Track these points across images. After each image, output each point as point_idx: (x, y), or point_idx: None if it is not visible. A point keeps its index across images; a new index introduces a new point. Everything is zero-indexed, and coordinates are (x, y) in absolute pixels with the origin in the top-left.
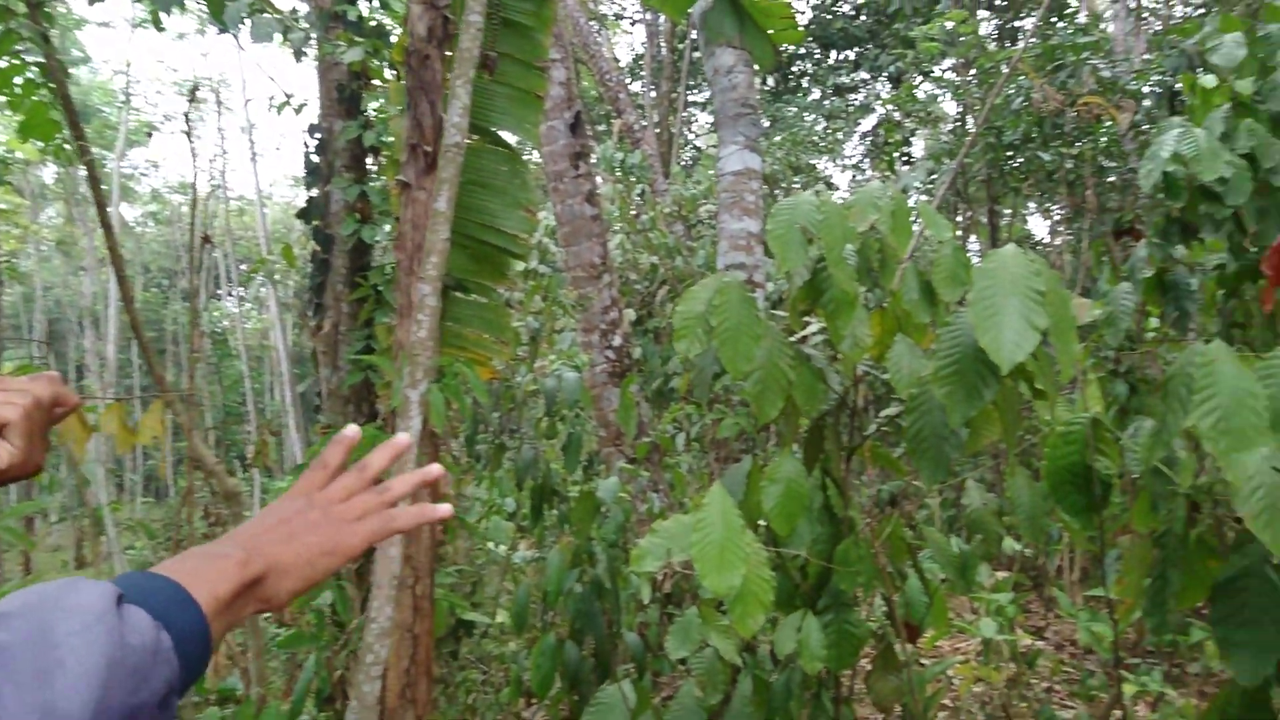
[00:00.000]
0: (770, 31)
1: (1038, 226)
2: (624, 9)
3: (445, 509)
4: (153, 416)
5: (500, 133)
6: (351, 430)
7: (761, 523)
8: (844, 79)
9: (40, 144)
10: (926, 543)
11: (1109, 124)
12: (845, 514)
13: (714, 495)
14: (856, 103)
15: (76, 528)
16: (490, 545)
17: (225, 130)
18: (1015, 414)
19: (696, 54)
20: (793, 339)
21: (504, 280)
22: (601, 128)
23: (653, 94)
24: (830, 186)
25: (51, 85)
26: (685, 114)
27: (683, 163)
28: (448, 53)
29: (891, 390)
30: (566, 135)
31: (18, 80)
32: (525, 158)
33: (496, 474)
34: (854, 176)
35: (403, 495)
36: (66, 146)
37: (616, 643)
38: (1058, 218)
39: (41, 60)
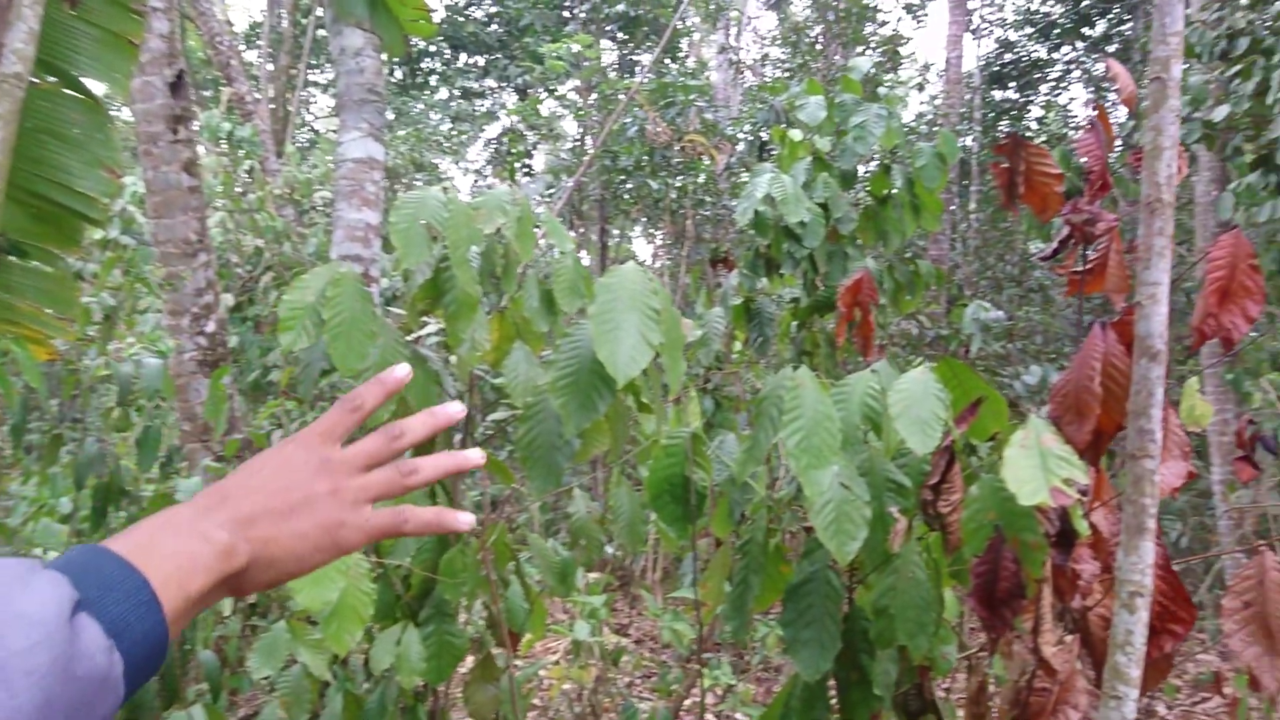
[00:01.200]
0: (403, 20)
1: (642, 249)
2: None
3: (467, 519)
4: None
5: (83, 79)
6: (403, 370)
7: None
8: (472, 84)
9: None
10: (529, 548)
11: (709, 162)
12: None
13: None
14: (483, 109)
15: None
16: (38, 552)
17: None
18: (624, 426)
19: (322, 31)
20: (409, 338)
21: (74, 248)
22: (208, 94)
23: (270, 67)
24: (452, 188)
25: None
26: (305, 93)
27: (298, 144)
28: None
29: (501, 396)
30: (165, 95)
31: None
32: (113, 113)
33: (50, 470)
34: (475, 181)
35: (431, 480)
36: None
37: (188, 660)
38: (660, 242)
39: None
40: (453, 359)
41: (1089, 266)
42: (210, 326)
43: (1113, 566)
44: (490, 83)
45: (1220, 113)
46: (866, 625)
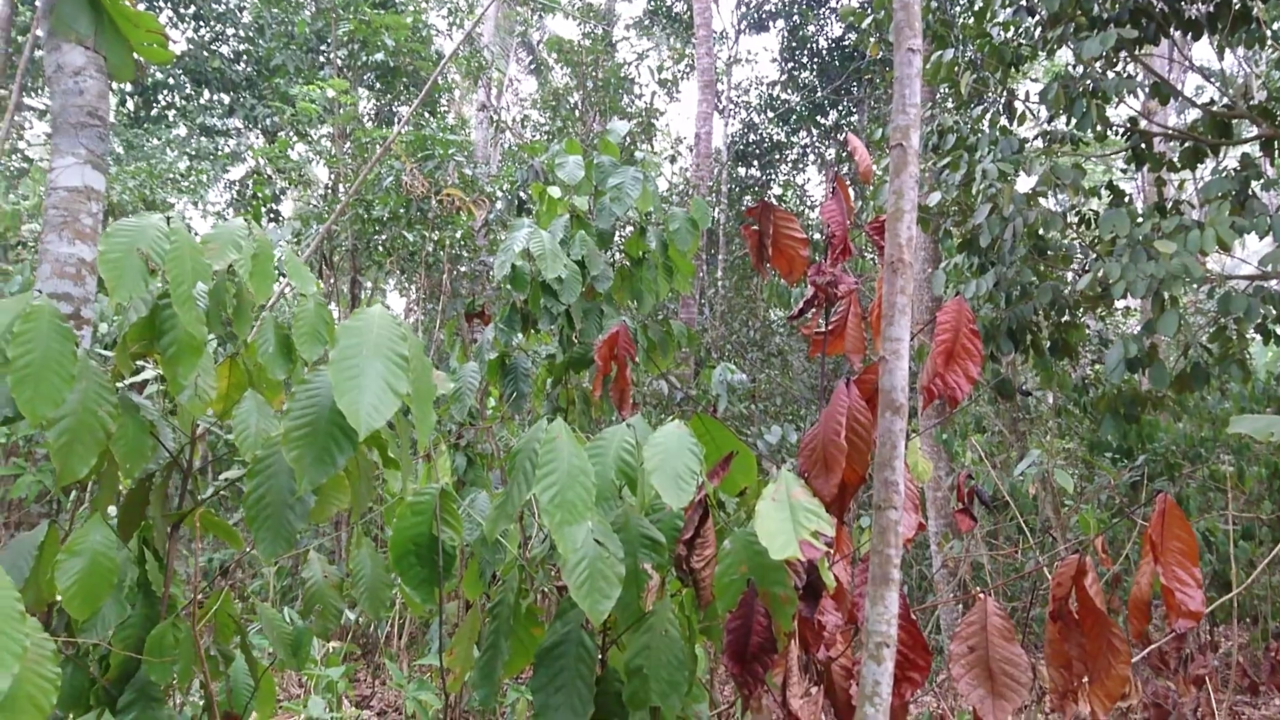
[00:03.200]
0: (134, 42)
1: (395, 302)
2: None
3: None
4: None
5: None
6: None
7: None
8: (216, 121)
9: None
10: (258, 617)
11: (467, 217)
12: (166, 591)
13: None
14: (227, 149)
15: None
16: None
17: None
18: (367, 482)
19: (40, 52)
20: (121, 384)
21: None
22: None
23: None
24: (178, 220)
25: None
26: (18, 117)
27: (7, 172)
28: None
29: (235, 451)
30: None
31: None
32: None
33: None
34: (216, 224)
35: None
36: None
37: None
38: (415, 296)
39: None
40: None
41: (830, 327)
42: None
43: (855, 617)
44: (236, 122)
45: (933, 199)
46: (619, 686)
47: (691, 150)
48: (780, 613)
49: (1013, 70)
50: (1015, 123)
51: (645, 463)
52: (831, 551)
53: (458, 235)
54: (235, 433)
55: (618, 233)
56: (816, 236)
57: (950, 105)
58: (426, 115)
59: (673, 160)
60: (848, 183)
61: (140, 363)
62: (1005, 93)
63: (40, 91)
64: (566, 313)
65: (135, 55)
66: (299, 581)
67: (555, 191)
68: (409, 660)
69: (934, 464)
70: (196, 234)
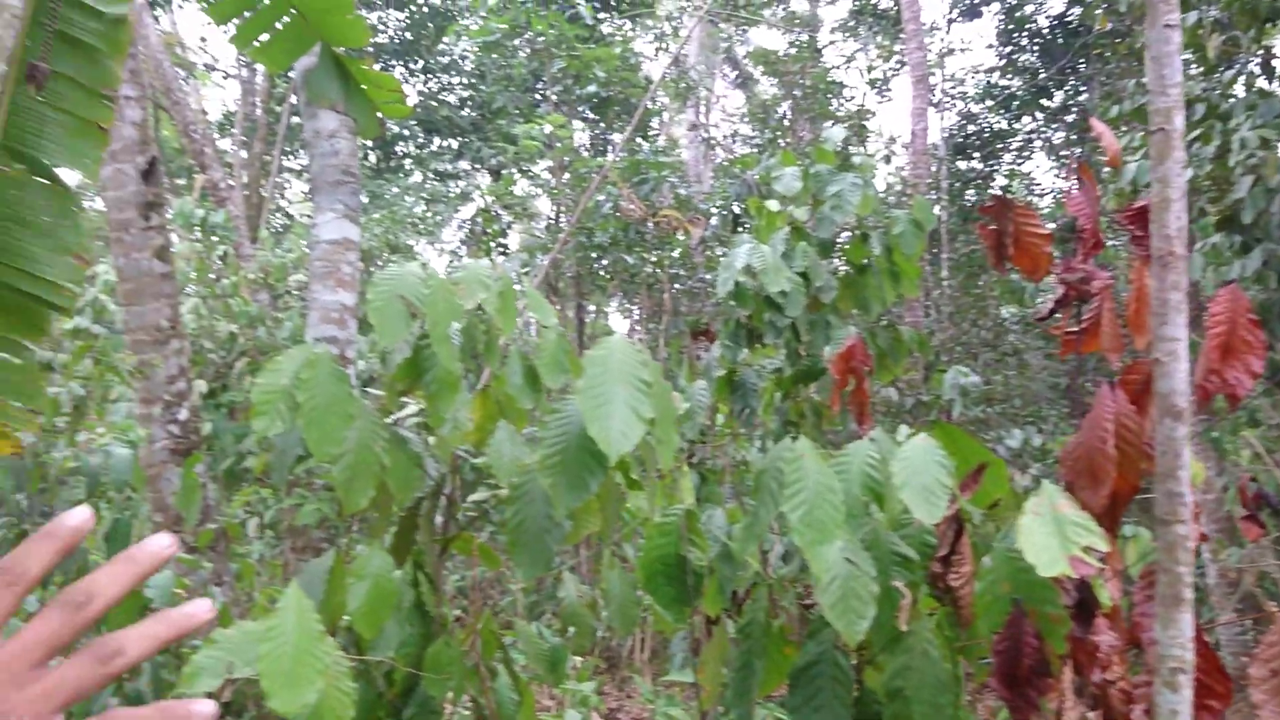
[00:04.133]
0: (377, 102)
1: (618, 323)
2: (217, 61)
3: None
4: None
5: (50, 165)
6: (80, 515)
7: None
8: (446, 165)
9: None
10: (515, 634)
11: (683, 237)
12: (438, 611)
13: (289, 598)
14: (457, 190)
15: None
16: None
17: None
18: (615, 505)
19: (296, 119)
20: (388, 420)
21: (39, 336)
22: (181, 181)
23: (244, 154)
24: (429, 266)
25: None
26: (279, 179)
27: (273, 228)
28: None
29: (482, 476)
30: (137, 182)
31: None
32: (85, 200)
33: None
34: (450, 262)
35: (142, 659)
36: None
37: None
38: (637, 316)
39: None
40: (431, 440)
41: (1083, 326)
42: (183, 414)
43: (1134, 637)
44: (464, 164)
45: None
46: (879, 708)
47: (907, 148)
48: (1052, 633)
49: (1268, 26)
50: (1276, 83)
51: (894, 477)
52: (1105, 568)
53: (675, 254)
54: (491, 461)
55: (838, 240)
56: (1050, 226)
57: (1196, 71)
58: (639, 140)
59: (887, 160)
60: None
61: (403, 399)
62: (1261, 51)
63: (297, 154)
64: (792, 325)
65: (378, 113)
66: (545, 597)
67: (773, 205)
68: (652, 675)
69: (1203, 464)
70: (437, 272)
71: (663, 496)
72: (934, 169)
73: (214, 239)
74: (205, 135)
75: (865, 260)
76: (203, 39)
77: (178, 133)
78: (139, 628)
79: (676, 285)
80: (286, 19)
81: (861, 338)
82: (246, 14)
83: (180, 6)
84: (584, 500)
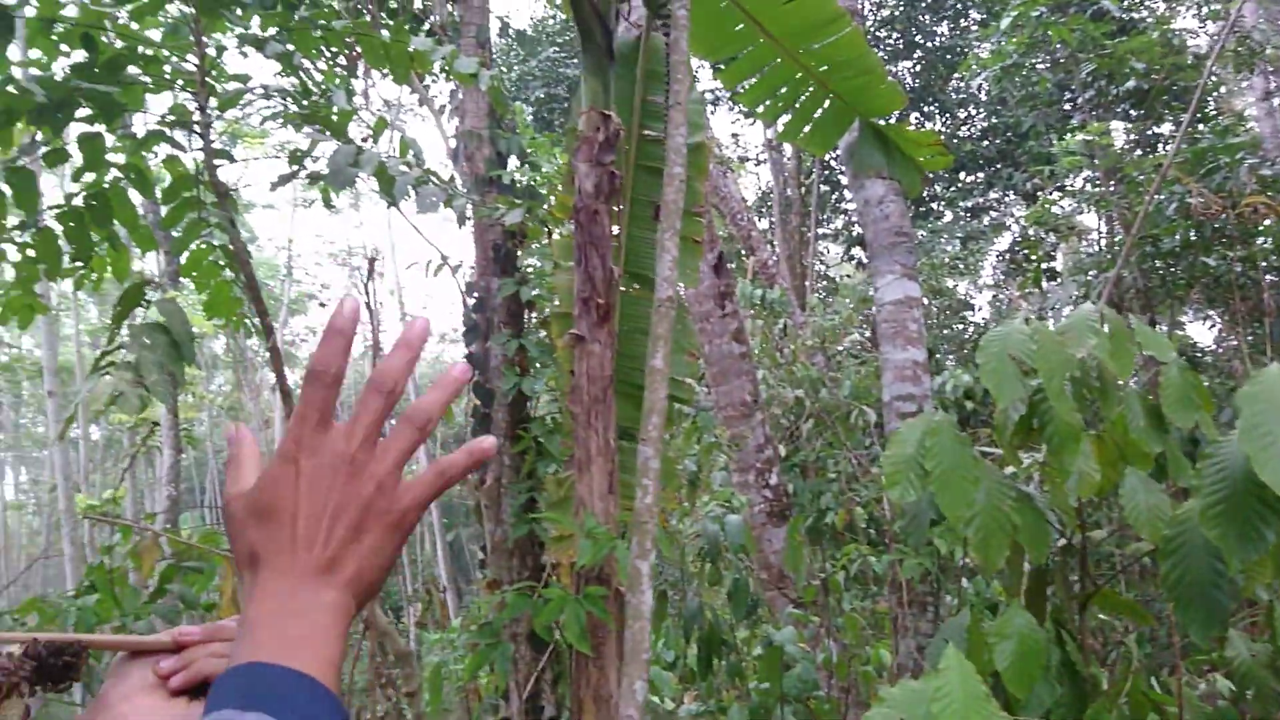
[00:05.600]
0: (919, 159)
1: (1198, 333)
2: (746, 151)
3: (490, 441)
4: None
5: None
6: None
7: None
8: (976, 200)
9: (219, 320)
10: (1161, 695)
11: (1274, 223)
12: (1086, 671)
13: (949, 658)
14: (989, 223)
15: None
16: (654, 699)
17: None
18: None
19: (824, 187)
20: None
21: (668, 427)
22: (731, 266)
23: (779, 230)
24: (967, 306)
25: (235, 266)
26: (819, 247)
27: (818, 294)
28: (615, 207)
29: (1108, 526)
30: (710, 276)
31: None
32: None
33: (663, 624)
34: (994, 297)
35: (441, 411)
36: (248, 321)
37: None
38: (1223, 323)
39: (225, 244)
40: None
41: None
42: (773, 479)
43: None
44: (994, 195)
45: None
46: None
47: None
48: None
49: None
50: None
51: None
52: None
53: (1268, 245)
54: (1127, 512)
55: None
56: None
57: None
58: (1197, 125)
59: None
60: None
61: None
62: None
63: (829, 220)
64: None
65: (921, 171)
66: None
67: None
68: None
69: None
70: (1042, 327)
71: None
72: None
73: (773, 313)
74: (749, 221)
75: None
76: (734, 135)
77: (725, 223)
78: (429, 396)
79: (1272, 278)
80: (825, 106)
81: None
82: (788, 113)
83: (713, 111)
84: (1261, 552)
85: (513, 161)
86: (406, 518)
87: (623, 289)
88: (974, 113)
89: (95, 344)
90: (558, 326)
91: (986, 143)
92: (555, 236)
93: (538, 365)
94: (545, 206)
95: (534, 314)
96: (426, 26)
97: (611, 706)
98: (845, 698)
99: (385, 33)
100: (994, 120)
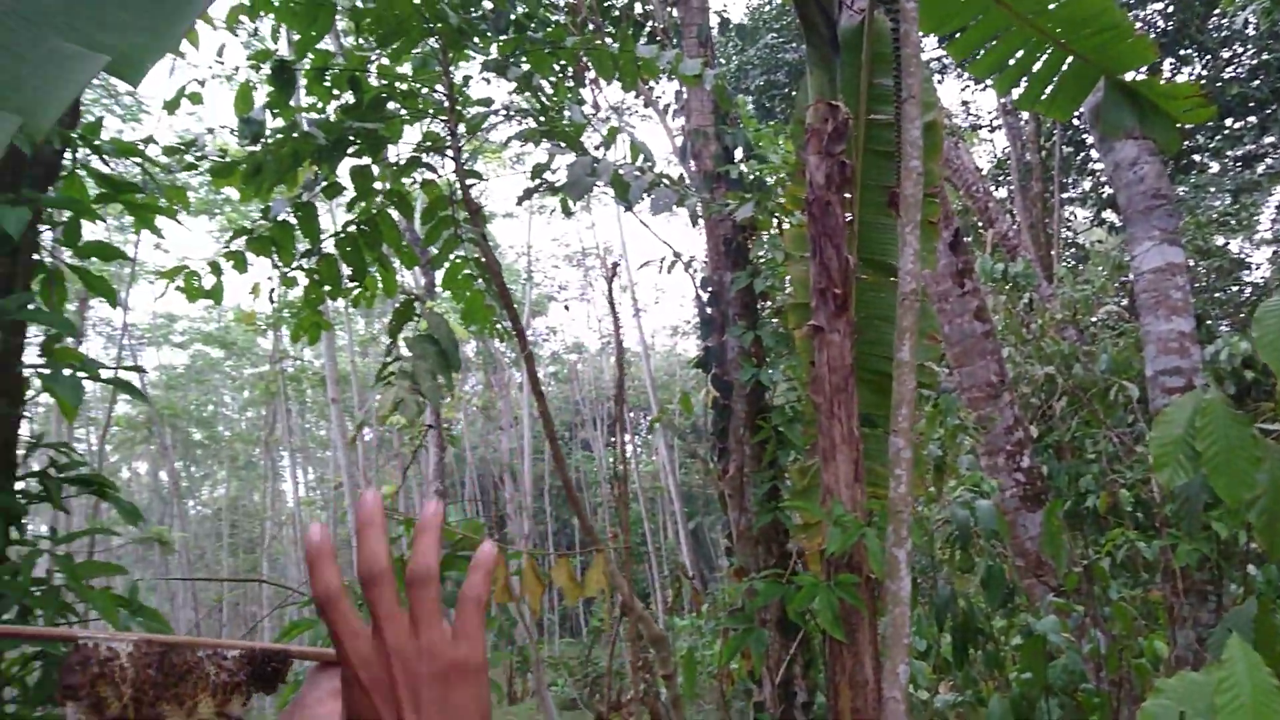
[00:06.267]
0: (1176, 114)
1: None
2: (979, 118)
3: (488, 548)
4: (596, 570)
5: (894, 265)
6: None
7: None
8: (1248, 147)
9: (475, 327)
10: None
11: None
12: None
13: (1235, 649)
14: (1265, 171)
15: (505, 665)
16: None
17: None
18: None
19: (1067, 149)
20: None
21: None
22: (968, 240)
23: (1019, 199)
24: (1242, 266)
25: (486, 277)
26: (1064, 213)
27: (1066, 264)
28: (845, 195)
29: None
30: (947, 254)
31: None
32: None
33: (913, 612)
34: (1273, 253)
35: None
36: (500, 326)
37: None
38: None
39: (477, 256)
40: None
41: None
42: (1025, 461)
43: None
44: (1268, 140)
45: None
46: None
47: None
48: None
49: None
50: None
51: None
52: None
53: None
54: None
55: None
56: None
57: None
58: None
59: None
60: None
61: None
62: None
63: (1075, 185)
64: None
65: (1177, 125)
66: None
67: None
68: None
69: None
70: None
71: None
72: None
73: (1016, 288)
74: (985, 191)
75: None
76: (964, 103)
77: (958, 195)
78: (420, 548)
79: None
80: (1065, 67)
81: None
82: (1024, 79)
83: (940, 81)
84: None
85: (738, 154)
86: (469, 670)
87: (859, 276)
88: (1240, 51)
89: (365, 353)
90: (794, 316)
91: (1257, 83)
92: (785, 226)
93: (773, 355)
94: (775, 198)
95: (768, 304)
96: (648, 30)
97: (867, 692)
98: (1117, 691)
99: (610, 41)
100: (1264, 57)
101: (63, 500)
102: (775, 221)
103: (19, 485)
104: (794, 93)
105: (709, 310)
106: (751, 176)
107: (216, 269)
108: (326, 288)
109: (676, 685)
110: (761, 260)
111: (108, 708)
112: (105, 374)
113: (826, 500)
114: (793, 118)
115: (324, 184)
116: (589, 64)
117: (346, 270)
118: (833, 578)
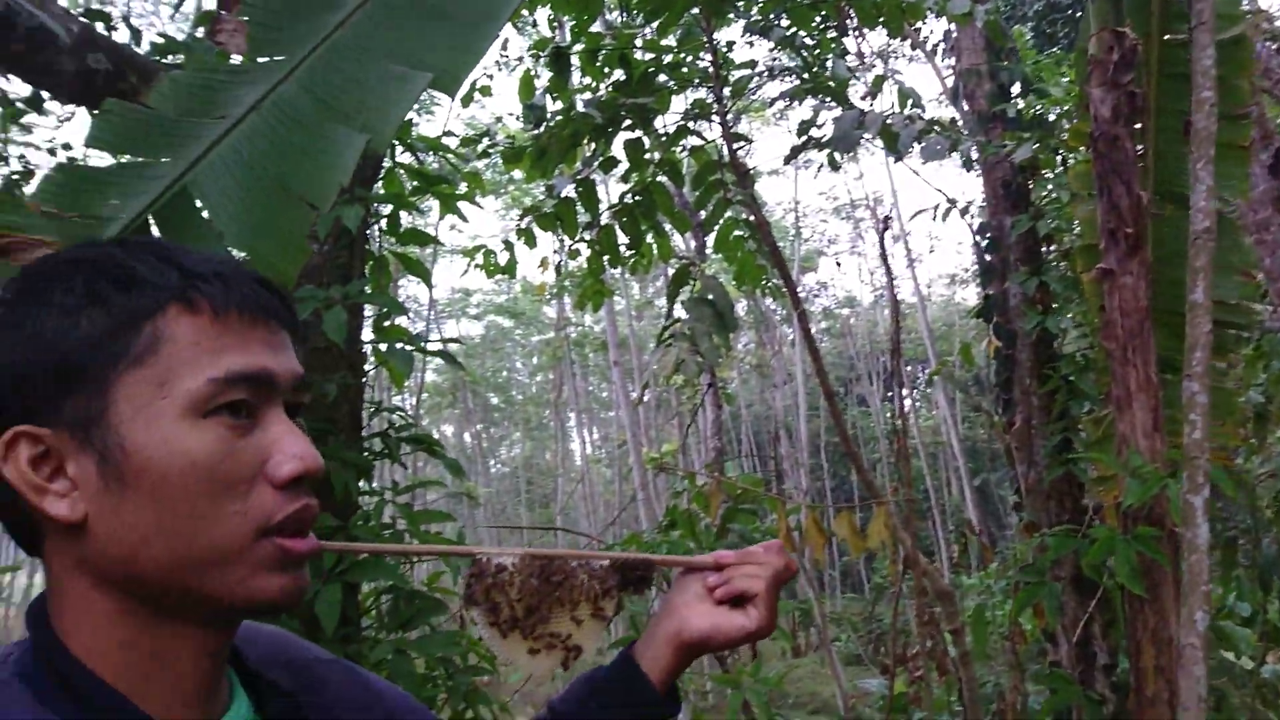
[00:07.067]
0: None
1: None
2: None
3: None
4: (878, 522)
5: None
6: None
7: None
8: None
9: (747, 286)
10: None
11: None
12: None
13: None
14: None
15: (789, 618)
16: (1229, 655)
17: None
18: None
19: None
20: None
21: (1222, 356)
22: None
23: None
24: None
25: (757, 238)
26: None
27: None
28: (1137, 126)
29: None
30: (1266, 179)
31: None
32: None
33: (1233, 574)
34: None
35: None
36: (772, 284)
37: None
38: None
39: (746, 217)
40: None
41: None
42: None
43: None
44: None
45: None
46: None
47: None
48: None
49: None
50: None
51: None
52: None
53: None
54: None
55: None
56: None
57: None
58: None
59: None
60: None
61: None
62: None
63: None
64: None
65: None
66: None
67: None
68: None
69: None
70: None
71: None
72: None
73: None
74: None
75: None
76: None
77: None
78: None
79: None
80: None
81: None
82: None
83: None
84: None
85: (1015, 89)
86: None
87: (1155, 212)
88: None
89: (639, 317)
90: (1082, 260)
91: None
92: (1070, 163)
93: (1060, 300)
94: (1058, 135)
95: (1053, 248)
96: None
97: (1172, 649)
98: None
99: None
100: None
101: (401, 456)
102: (1059, 159)
103: (365, 445)
104: (1078, 14)
105: (988, 257)
106: (1031, 113)
107: (509, 246)
108: (606, 257)
109: (966, 640)
110: (1045, 201)
111: (502, 612)
112: (431, 347)
113: (1123, 451)
114: (1075, 46)
115: (600, 159)
116: (851, 12)
117: (624, 239)
118: (1131, 531)
